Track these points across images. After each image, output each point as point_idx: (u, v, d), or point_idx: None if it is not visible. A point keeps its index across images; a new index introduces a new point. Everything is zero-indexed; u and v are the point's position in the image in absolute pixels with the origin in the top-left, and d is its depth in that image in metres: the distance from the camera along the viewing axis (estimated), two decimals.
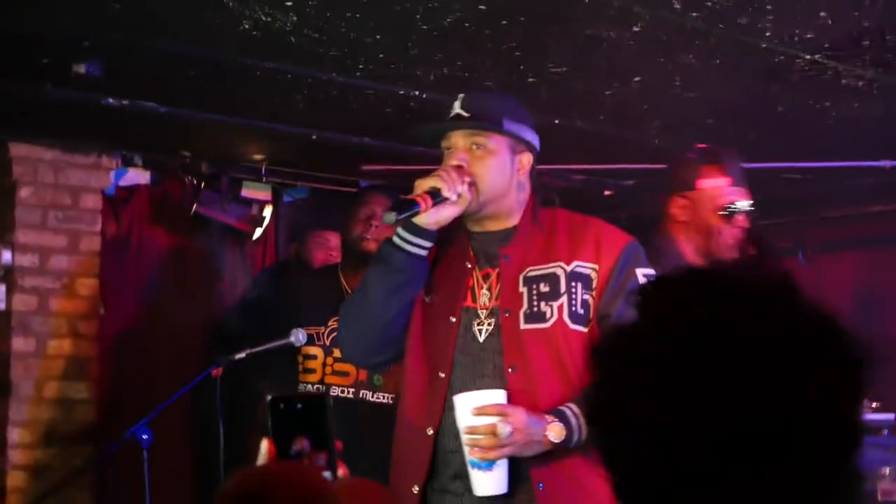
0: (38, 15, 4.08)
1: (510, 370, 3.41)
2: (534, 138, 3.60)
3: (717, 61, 4.54)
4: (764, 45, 4.31)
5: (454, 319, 3.49)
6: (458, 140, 3.47)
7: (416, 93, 4.94)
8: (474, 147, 3.46)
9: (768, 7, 3.92)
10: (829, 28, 4.13)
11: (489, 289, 3.50)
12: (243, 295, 6.21)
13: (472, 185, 3.41)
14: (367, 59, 4.52)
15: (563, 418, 3.32)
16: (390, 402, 4.80)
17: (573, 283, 3.45)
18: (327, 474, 1.93)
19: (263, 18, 4.01)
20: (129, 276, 6.53)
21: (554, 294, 3.44)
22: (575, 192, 6.97)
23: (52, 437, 6.00)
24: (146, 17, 4.12)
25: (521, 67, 4.62)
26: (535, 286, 3.46)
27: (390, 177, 6.73)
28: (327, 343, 4.90)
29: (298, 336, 4.63)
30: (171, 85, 4.99)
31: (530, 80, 4.78)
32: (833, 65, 4.53)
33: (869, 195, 6.95)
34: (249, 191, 6.73)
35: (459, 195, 3.37)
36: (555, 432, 3.30)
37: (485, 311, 3.48)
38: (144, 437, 4.59)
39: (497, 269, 3.51)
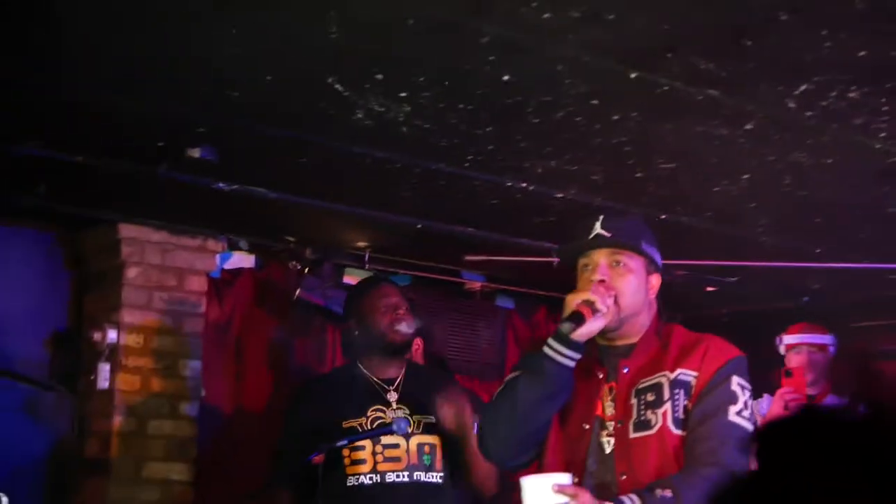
0: (156, 99, 4.15)
1: (622, 477, 3.55)
2: (660, 257, 3.74)
3: (829, 161, 4.50)
4: (878, 146, 4.27)
5: (587, 427, 3.63)
6: (600, 258, 3.62)
7: (524, 185, 4.95)
8: (615, 264, 3.61)
9: (884, 108, 3.89)
10: None
11: (613, 400, 3.65)
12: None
13: (615, 300, 3.55)
14: (476, 151, 4.54)
15: None
16: (440, 480, 4.90)
17: (676, 391, 3.58)
18: None
19: (377, 108, 4.05)
20: (230, 359, 6.56)
21: (658, 402, 3.58)
22: (677, 288, 6.92)
23: None
24: (261, 105, 4.17)
25: (630, 162, 4.62)
26: (643, 397, 3.60)
27: (493, 267, 6.74)
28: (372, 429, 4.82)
29: (401, 425, 4.66)
30: (281, 171, 5.04)
31: (638, 175, 4.78)
32: None
33: None
34: (352, 277, 6.75)
35: (608, 308, 3.51)
36: None
37: (611, 422, 3.62)
38: None
39: (617, 383, 3.65)
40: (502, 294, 7.58)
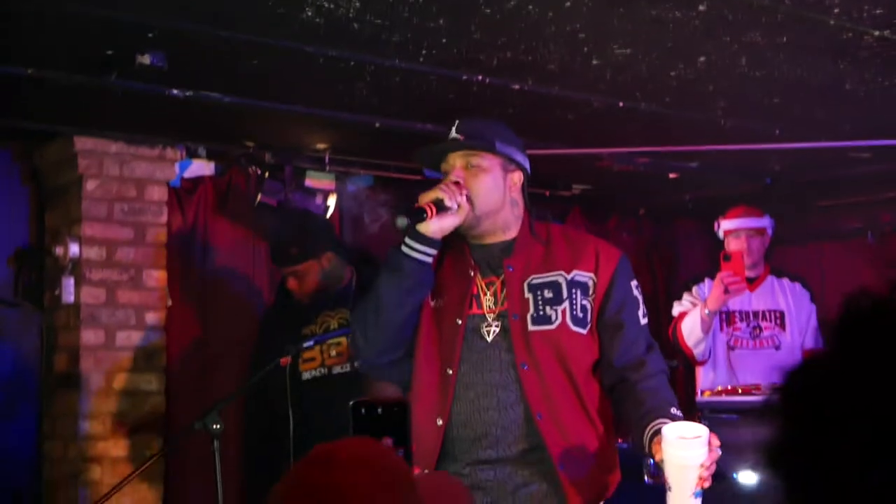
0: (102, 5, 4.09)
1: (523, 367, 3.76)
2: (524, 160, 3.93)
3: (784, 39, 4.48)
4: (832, 22, 4.26)
5: (460, 322, 3.81)
6: (456, 160, 3.83)
7: (480, 78, 4.92)
8: (469, 166, 3.80)
9: None
10: None
11: (493, 295, 3.84)
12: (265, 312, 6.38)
13: (469, 198, 3.75)
14: (429, 45, 4.51)
15: None
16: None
17: (573, 290, 3.84)
18: None
19: (326, 5, 4.00)
20: (195, 267, 6.55)
21: (557, 299, 3.82)
22: (640, 175, 6.93)
23: (122, 428, 6.03)
24: (209, 7, 4.12)
25: (585, 50, 4.59)
26: (539, 292, 3.83)
27: None
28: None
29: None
30: (235, 75, 5.00)
31: (594, 62, 4.75)
32: None
33: None
34: (313, 180, 6.73)
35: (459, 206, 3.71)
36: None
37: (492, 314, 3.83)
38: (216, 426, 4.60)
39: (501, 278, 3.85)
40: None
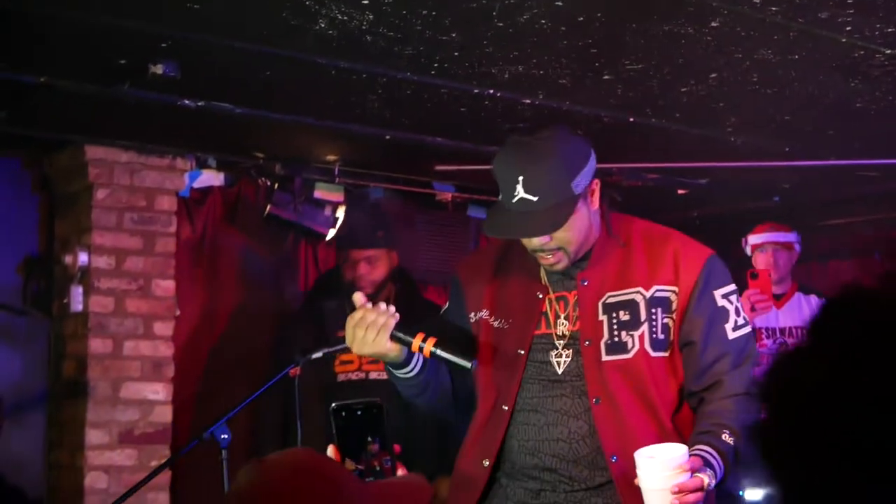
0: (116, 15, 4.10)
1: (595, 402, 3.35)
2: (593, 162, 3.40)
3: (796, 57, 4.48)
4: (844, 40, 4.26)
5: (522, 352, 3.44)
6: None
7: (491, 91, 4.93)
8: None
9: (849, 1, 3.87)
10: None
11: (567, 317, 3.45)
12: (298, 308, 6.38)
13: (564, 249, 3.37)
14: (441, 58, 4.51)
15: (708, 465, 3.23)
16: None
17: (653, 310, 3.40)
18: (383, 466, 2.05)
19: (339, 17, 4.01)
20: (204, 277, 6.56)
21: (634, 323, 3.38)
22: (648, 191, 6.93)
23: (130, 437, 6.04)
24: (222, 17, 4.13)
25: (597, 65, 4.60)
26: (615, 314, 3.40)
27: (463, 177, 6.73)
28: None
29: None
30: (246, 85, 5.00)
31: (605, 77, 4.75)
32: None
33: None
34: (322, 192, 6.74)
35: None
36: (707, 480, 3.19)
37: (562, 340, 3.44)
38: (224, 436, 4.59)
39: (574, 294, 3.45)
40: (474, 204, 7.57)
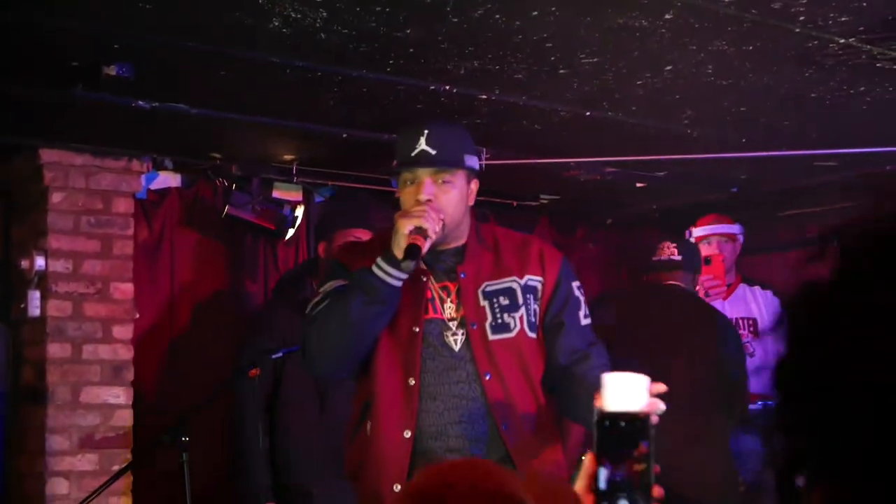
0: (68, 17, 4.07)
1: (486, 377, 3.78)
2: (478, 161, 4.02)
3: (751, 48, 4.49)
4: (797, 30, 4.27)
5: (417, 330, 3.81)
6: (425, 175, 3.81)
7: (447, 87, 4.92)
8: (441, 182, 3.81)
9: None
10: (863, 11, 4.09)
11: (452, 302, 3.88)
12: (260, 310, 6.31)
13: (443, 220, 3.76)
14: (397, 55, 4.50)
15: None
16: None
17: (527, 296, 3.90)
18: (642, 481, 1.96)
19: (293, 15, 3.99)
20: (163, 279, 6.53)
21: (514, 306, 3.87)
22: (607, 185, 6.93)
23: (90, 442, 6.00)
24: (176, 17, 4.11)
25: (553, 59, 4.60)
26: (495, 299, 3.86)
27: None
28: None
29: None
30: (201, 86, 4.98)
31: (561, 71, 4.75)
32: (868, 48, 4.48)
33: None
34: (280, 192, 6.71)
35: (437, 233, 3.71)
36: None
37: (454, 321, 3.85)
38: (184, 438, 4.58)
39: (456, 284, 3.88)
40: None
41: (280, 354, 4.86)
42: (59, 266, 6.01)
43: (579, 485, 1.98)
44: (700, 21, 4.17)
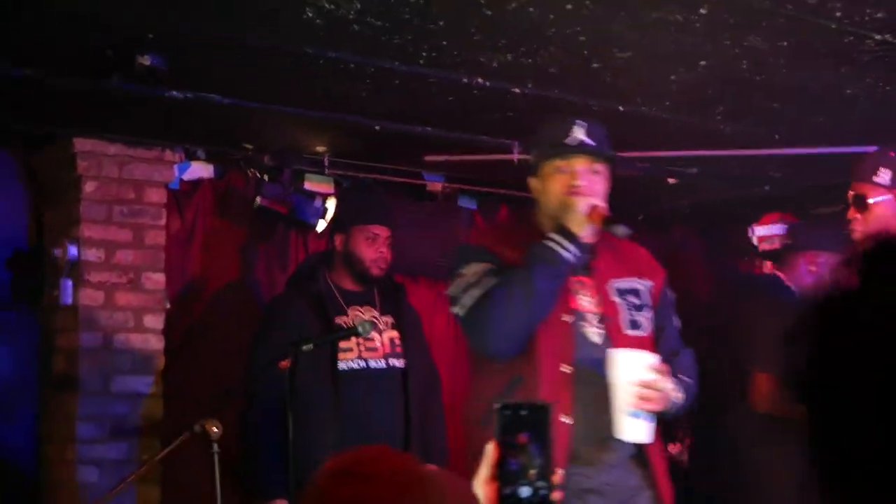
0: (103, 6, 4.08)
1: None
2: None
3: (785, 43, 4.47)
4: (833, 26, 4.25)
5: (568, 319, 3.95)
6: (579, 164, 3.99)
7: (480, 80, 4.91)
8: (594, 172, 4.00)
9: None
10: None
11: (590, 296, 4.04)
12: (273, 301, 6.23)
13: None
14: (430, 47, 4.50)
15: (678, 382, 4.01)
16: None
17: (647, 298, 4.12)
18: (541, 483, 1.97)
19: (327, 6, 3.99)
20: (194, 270, 6.54)
21: (643, 307, 4.09)
22: (638, 181, 6.91)
23: (120, 430, 6.02)
24: (210, 8, 4.12)
25: (586, 53, 4.58)
26: (626, 297, 4.05)
27: (453, 167, 6.71)
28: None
29: (366, 326, 5.03)
30: (234, 76, 4.99)
31: (594, 65, 4.74)
32: None
33: None
34: (312, 183, 6.72)
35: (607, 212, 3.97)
36: (678, 397, 3.98)
37: (594, 316, 4.01)
38: (214, 429, 4.59)
39: (591, 278, 4.05)
40: (464, 194, 7.56)
41: (310, 346, 4.84)
42: (91, 255, 6.04)
43: (482, 473, 1.98)
44: (735, 16, 4.16)
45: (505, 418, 2.01)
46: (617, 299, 4.04)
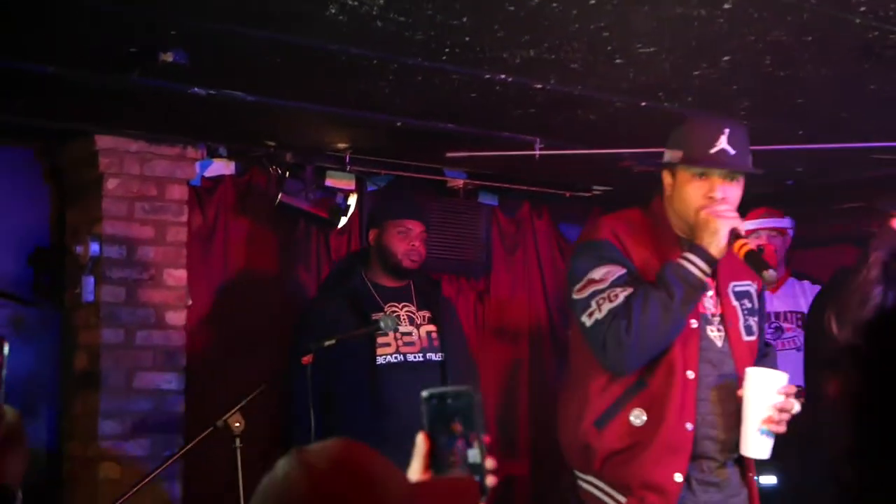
0: (126, 2, 4.08)
1: (741, 375, 3.88)
2: None
3: (809, 38, 4.45)
4: (858, 21, 4.22)
5: (695, 324, 3.89)
6: (719, 172, 3.88)
7: (503, 76, 4.90)
8: (731, 178, 3.90)
9: None
10: None
11: (711, 298, 3.98)
12: (312, 300, 6.36)
13: None
14: (452, 43, 4.48)
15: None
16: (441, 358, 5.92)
17: (755, 300, 4.10)
18: (474, 455, 1.98)
19: (350, 3, 3.98)
20: (216, 266, 6.55)
21: (754, 311, 4.08)
22: (660, 177, 6.88)
23: (143, 427, 6.03)
24: (233, 3, 4.10)
25: (609, 48, 4.56)
26: (742, 301, 4.03)
27: (475, 163, 6.70)
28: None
29: (388, 322, 4.95)
30: (256, 73, 4.98)
31: (618, 61, 4.72)
32: None
33: None
34: (333, 180, 6.73)
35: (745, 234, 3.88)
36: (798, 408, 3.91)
37: (716, 318, 3.97)
38: (237, 424, 4.59)
39: (714, 280, 3.96)
40: (485, 191, 7.56)
41: (332, 342, 4.87)
42: (113, 252, 6.05)
43: (415, 464, 1.97)
44: (759, 10, 4.13)
45: (433, 408, 2.01)
46: (735, 302, 4.02)
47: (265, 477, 1.78)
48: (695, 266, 3.75)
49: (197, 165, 6.32)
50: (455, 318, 6.31)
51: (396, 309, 5.88)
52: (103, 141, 5.99)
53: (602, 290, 3.83)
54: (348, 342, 5.41)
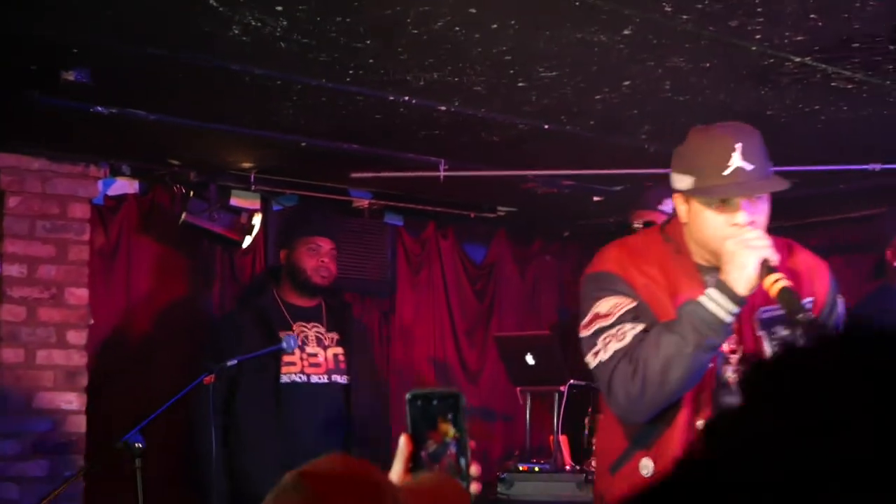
0: (26, 21, 4.06)
1: None
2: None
3: (707, 65, 4.53)
4: (754, 48, 4.31)
5: (710, 365, 3.33)
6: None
7: (406, 98, 4.93)
8: (755, 198, 3.29)
9: (758, 10, 3.91)
10: (819, 30, 4.12)
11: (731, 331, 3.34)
12: (224, 317, 6.34)
13: None
14: (356, 65, 4.51)
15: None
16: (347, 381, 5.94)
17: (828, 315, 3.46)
18: (457, 473, 1.92)
19: (253, 23, 3.99)
20: (118, 285, 6.50)
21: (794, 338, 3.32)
22: (564, 198, 6.96)
23: (42, 447, 5.97)
24: (136, 23, 4.10)
25: (511, 72, 4.61)
26: (773, 331, 3.37)
27: (380, 184, 6.72)
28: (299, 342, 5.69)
29: (290, 342, 5.03)
30: (159, 92, 4.97)
31: (520, 84, 4.77)
32: (822, 67, 4.52)
33: (858, 199, 6.95)
34: (238, 199, 6.71)
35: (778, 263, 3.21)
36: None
37: (734, 354, 3.40)
38: (137, 444, 4.56)
39: None
40: (391, 211, 7.58)
41: (234, 362, 4.88)
42: (13, 270, 5.99)
43: (397, 467, 1.96)
44: (658, 37, 4.20)
45: (417, 409, 1.96)
46: (761, 332, 3.36)
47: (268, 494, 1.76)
48: (717, 305, 3.19)
49: (100, 184, 6.28)
50: (366, 341, 6.35)
51: (305, 329, 5.89)
52: (4, 159, 5.93)
53: (608, 327, 3.37)
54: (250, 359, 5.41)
